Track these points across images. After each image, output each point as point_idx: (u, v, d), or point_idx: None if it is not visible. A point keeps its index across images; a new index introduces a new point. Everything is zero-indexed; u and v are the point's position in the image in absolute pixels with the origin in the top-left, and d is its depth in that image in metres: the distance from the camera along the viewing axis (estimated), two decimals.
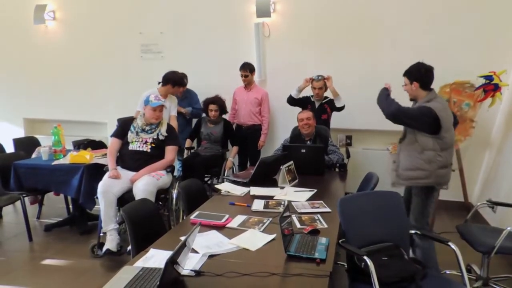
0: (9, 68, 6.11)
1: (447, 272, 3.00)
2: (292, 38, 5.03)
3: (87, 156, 3.75)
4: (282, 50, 5.08)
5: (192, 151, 4.74)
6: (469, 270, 3.10)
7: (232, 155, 4.65)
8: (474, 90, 4.08)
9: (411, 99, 3.01)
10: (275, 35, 5.07)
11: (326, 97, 4.58)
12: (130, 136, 3.52)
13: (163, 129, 3.56)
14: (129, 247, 3.18)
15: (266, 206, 2.66)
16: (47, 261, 3.38)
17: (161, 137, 3.54)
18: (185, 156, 4.64)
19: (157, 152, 3.52)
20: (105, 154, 3.71)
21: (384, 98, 2.96)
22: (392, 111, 2.82)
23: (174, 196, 3.74)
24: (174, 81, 4.16)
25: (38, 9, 5.66)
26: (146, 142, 3.50)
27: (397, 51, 4.66)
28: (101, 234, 3.38)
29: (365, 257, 1.94)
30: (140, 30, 5.49)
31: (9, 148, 4.88)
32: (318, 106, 4.51)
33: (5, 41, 6.04)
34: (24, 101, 6.12)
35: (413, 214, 2.87)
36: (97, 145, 4.53)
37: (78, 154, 3.78)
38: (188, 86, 4.96)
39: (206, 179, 4.67)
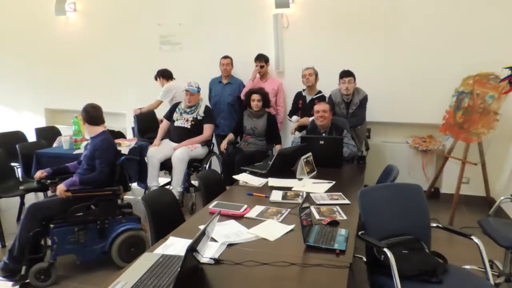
0: (31, 59, 6.23)
1: (468, 267, 2.94)
2: (311, 29, 4.97)
3: None
4: (301, 42, 5.02)
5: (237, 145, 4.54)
6: (491, 266, 3.02)
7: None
8: (499, 82, 3.96)
9: (348, 94, 4.20)
10: (293, 26, 5.01)
11: (319, 92, 4.54)
12: (175, 115, 4.46)
13: (200, 111, 4.42)
14: None
15: (284, 197, 2.66)
16: None
17: (199, 117, 4.40)
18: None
19: (195, 129, 4.38)
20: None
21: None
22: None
23: (206, 166, 4.52)
24: (162, 73, 4.91)
25: (59, 0, 5.73)
26: (187, 120, 4.39)
27: (418, 42, 4.56)
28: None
29: (385, 249, 1.91)
30: (159, 21, 5.51)
31: (31, 137, 4.98)
32: (309, 101, 4.50)
33: (27, 32, 6.15)
34: (45, 92, 6.24)
35: None
36: (116, 135, 4.58)
37: None
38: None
39: None
